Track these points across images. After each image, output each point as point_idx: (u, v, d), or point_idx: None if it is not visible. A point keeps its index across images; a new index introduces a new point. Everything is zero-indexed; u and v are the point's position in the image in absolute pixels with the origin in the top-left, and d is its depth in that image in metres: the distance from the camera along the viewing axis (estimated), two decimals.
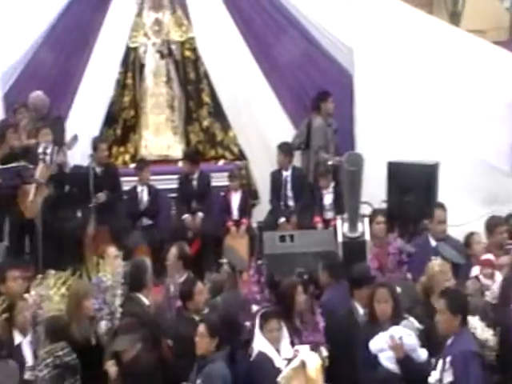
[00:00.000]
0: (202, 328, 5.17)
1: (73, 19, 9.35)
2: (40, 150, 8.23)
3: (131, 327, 5.32)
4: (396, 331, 5.19)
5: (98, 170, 8.54)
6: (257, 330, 5.23)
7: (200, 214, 8.52)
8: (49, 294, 5.85)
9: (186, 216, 8.54)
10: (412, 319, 5.39)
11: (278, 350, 5.18)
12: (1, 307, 5.51)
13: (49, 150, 8.23)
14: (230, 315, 5.58)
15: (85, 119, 9.22)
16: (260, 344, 5.19)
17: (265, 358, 5.12)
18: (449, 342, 4.79)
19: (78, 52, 9.26)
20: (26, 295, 5.83)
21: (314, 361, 5.02)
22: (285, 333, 5.25)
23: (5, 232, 8.30)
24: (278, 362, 5.11)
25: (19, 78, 9.18)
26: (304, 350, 5.10)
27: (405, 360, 5.10)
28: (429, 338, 5.22)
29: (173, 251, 6.54)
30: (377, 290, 5.41)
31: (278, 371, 5.03)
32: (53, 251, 7.82)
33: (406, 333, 5.19)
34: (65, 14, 9.32)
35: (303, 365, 4.96)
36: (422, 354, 5.19)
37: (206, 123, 9.37)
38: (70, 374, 5.17)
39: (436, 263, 5.97)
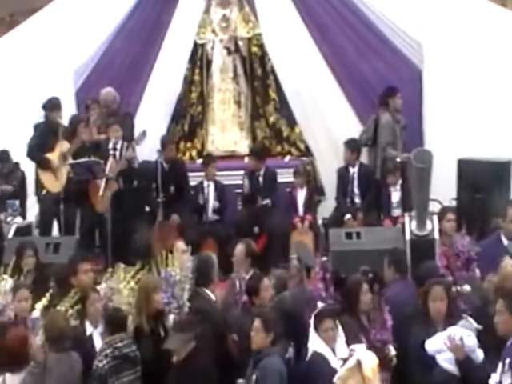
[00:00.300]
0: (257, 323, 5.12)
1: (142, 17, 9.51)
2: (110, 145, 8.41)
3: (186, 326, 5.29)
4: (455, 332, 5.06)
5: (166, 165, 8.67)
6: (311, 330, 5.16)
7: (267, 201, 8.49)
8: (119, 287, 5.95)
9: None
10: (470, 319, 5.25)
11: (333, 350, 5.10)
12: (73, 299, 5.64)
13: (118, 146, 8.40)
14: (296, 311, 5.57)
15: (153, 115, 9.35)
16: (315, 344, 5.12)
17: (320, 358, 5.05)
18: (508, 343, 4.64)
19: (147, 49, 9.40)
20: (98, 287, 5.96)
21: (370, 360, 4.92)
22: (340, 332, 5.18)
23: (76, 226, 8.51)
24: (334, 362, 5.03)
25: (90, 76, 9.38)
26: (360, 349, 5.00)
27: (465, 361, 4.99)
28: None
29: (240, 248, 6.50)
30: (432, 288, 5.28)
31: (334, 371, 4.95)
32: (122, 245, 7.96)
33: (465, 333, 5.07)
34: (134, 12, 9.50)
35: (359, 364, 4.87)
36: (480, 355, 5.06)
37: (272, 119, 9.37)
38: (129, 366, 5.19)
39: (510, 263, 5.82)
